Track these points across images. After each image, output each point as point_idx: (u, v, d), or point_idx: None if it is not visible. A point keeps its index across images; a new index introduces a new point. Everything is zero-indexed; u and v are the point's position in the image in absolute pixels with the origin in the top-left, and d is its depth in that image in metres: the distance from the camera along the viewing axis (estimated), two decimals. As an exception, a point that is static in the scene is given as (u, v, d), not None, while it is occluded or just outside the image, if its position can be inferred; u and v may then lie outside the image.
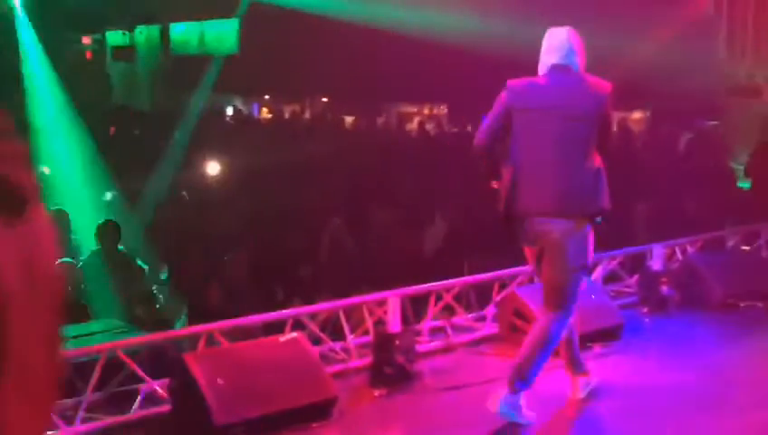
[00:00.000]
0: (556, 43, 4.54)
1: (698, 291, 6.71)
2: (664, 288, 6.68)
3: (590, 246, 4.53)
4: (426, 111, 21.64)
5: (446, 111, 21.28)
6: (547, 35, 4.60)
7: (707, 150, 12.52)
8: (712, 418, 4.69)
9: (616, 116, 18.60)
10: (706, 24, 13.18)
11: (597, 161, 4.47)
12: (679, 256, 7.28)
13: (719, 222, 8.46)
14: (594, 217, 4.50)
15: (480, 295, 6.33)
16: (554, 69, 4.53)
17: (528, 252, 4.65)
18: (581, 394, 4.79)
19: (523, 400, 4.42)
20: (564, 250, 4.42)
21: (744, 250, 7.75)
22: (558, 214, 4.40)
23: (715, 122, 15.27)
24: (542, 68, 4.59)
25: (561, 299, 4.47)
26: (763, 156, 11.97)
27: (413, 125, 19.68)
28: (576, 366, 4.79)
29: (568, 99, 4.48)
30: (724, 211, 9.42)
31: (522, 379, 4.39)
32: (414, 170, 12.22)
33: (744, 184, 11.84)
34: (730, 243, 7.86)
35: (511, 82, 4.58)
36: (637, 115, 19.22)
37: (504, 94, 4.58)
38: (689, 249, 7.32)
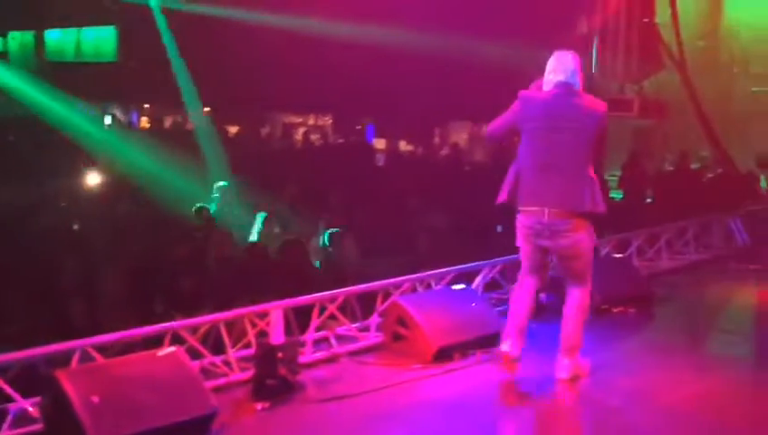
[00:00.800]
0: (562, 65, 5.27)
1: (574, 298, 6.90)
2: (542, 295, 6.85)
3: (593, 234, 5.34)
4: (311, 122, 21.60)
5: (330, 121, 21.29)
6: (554, 57, 5.32)
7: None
8: (590, 419, 4.84)
9: (496, 128, 19.12)
10: (579, 41, 13.67)
11: (591, 170, 5.18)
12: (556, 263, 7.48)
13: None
14: (590, 216, 5.20)
15: (364, 305, 6.33)
16: (560, 86, 5.22)
17: (528, 241, 5.30)
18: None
19: (580, 358, 5.36)
20: (580, 246, 5.25)
21: (617, 258, 8.04)
22: (563, 214, 5.12)
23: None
24: (548, 84, 5.27)
25: (585, 278, 5.39)
26: (634, 168, 12.52)
27: (298, 135, 19.60)
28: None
29: (572, 113, 5.17)
30: (597, 220, 9.76)
31: (579, 346, 5.36)
32: (299, 180, 12.16)
33: (617, 194, 12.34)
34: (603, 251, 8.14)
35: (523, 93, 5.31)
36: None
37: (517, 103, 5.30)
38: (565, 257, 7.53)
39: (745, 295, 8.04)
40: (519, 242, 5.37)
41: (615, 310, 6.86)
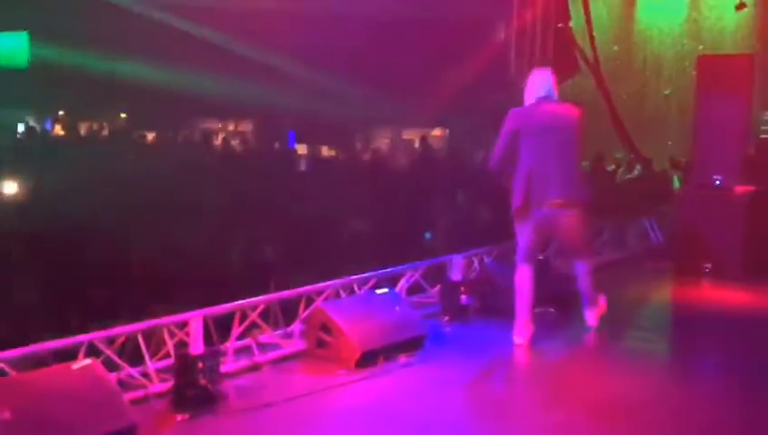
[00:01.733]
0: (542, 81, 6.24)
1: (495, 299, 6.99)
2: (464, 297, 6.92)
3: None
4: (231, 127, 21.39)
5: (251, 127, 21.13)
6: (533, 75, 6.33)
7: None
8: (513, 419, 4.88)
9: (416, 133, 19.31)
10: (497, 47, 13.89)
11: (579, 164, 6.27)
12: (477, 265, 7.56)
13: (513, 232, 8.87)
14: (584, 203, 6.20)
15: (287, 312, 6.27)
16: (542, 99, 6.17)
17: (534, 232, 6.17)
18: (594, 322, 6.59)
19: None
20: (579, 226, 6.23)
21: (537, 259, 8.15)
22: (564, 204, 6.07)
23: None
24: (531, 98, 6.21)
25: (587, 247, 6.51)
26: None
27: (217, 141, 19.38)
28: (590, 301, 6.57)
29: (557, 119, 6.14)
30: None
31: (597, 298, 6.57)
32: (219, 187, 12.01)
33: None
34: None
35: (513, 110, 6.20)
36: (437, 132, 19.95)
37: (510, 120, 6.16)
38: (486, 259, 7.62)
39: (660, 293, 8.27)
40: (521, 232, 6.20)
41: (535, 310, 6.92)
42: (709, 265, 8.66)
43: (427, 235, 9.98)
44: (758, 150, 10.27)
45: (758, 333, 6.94)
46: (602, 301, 6.69)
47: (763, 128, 11.51)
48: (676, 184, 12.09)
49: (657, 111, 14.50)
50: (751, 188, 8.98)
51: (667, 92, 14.72)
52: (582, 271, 6.44)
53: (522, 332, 6.19)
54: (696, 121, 9.41)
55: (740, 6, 13.36)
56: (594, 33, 13.48)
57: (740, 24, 14.19)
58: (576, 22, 13.46)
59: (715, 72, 9.27)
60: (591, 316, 6.60)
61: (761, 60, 12.15)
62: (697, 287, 8.40)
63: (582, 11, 13.46)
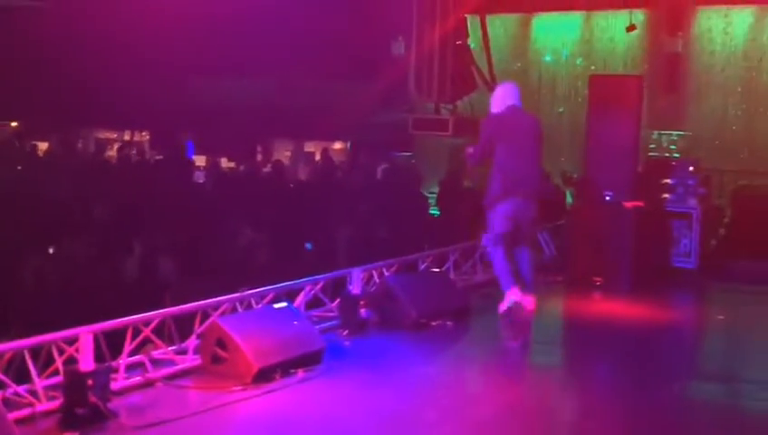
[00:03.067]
0: (510, 93, 7.41)
1: (394, 312, 7.02)
2: (363, 311, 6.93)
3: None
4: (127, 138, 20.91)
5: (148, 137, 20.72)
6: (502, 87, 7.60)
7: (402, 180, 13.24)
8: (410, 434, 4.90)
9: (317, 145, 19.30)
10: (398, 62, 14.03)
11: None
12: (377, 279, 7.59)
13: (413, 246, 8.96)
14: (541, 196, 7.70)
15: (181, 327, 6.13)
16: (511, 107, 7.33)
17: (507, 219, 7.27)
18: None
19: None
20: (535, 218, 7.51)
21: (434, 272, 8.24)
22: (529, 196, 7.28)
23: (408, 154, 16.27)
24: (500, 106, 7.33)
25: (532, 240, 7.91)
26: (450, 185, 12.92)
27: (112, 151, 18.90)
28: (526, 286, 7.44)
29: (526, 124, 7.42)
30: (417, 236, 10.01)
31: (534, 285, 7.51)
32: (114, 198, 11.70)
33: (435, 211, 12.69)
34: (422, 266, 8.34)
35: (487, 119, 7.42)
36: (337, 145, 20.00)
37: (487, 124, 7.39)
38: (386, 273, 7.66)
39: (553, 306, 8.46)
40: (497, 220, 7.28)
41: (433, 323, 7.01)
42: (600, 279, 8.91)
43: (308, 245, 9.95)
44: (646, 168, 10.68)
45: (646, 345, 7.19)
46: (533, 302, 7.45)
47: (651, 146, 11.98)
48: (569, 199, 12.42)
49: (551, 128, 14.89)
50: (640, 203, 9.30)
51: (560, 110, 15.14)
52: (525, 257, 7.41)
53: (518, 294, 7.28)
54: (587, 139, 9.71)
55: (630, 28, 13.90)
56: (491, 52, 13.78)
57: (630, 46, 14.75)
58: (474, 40, 13.74)
59: (606, 92, 9.59)
60: (530, 302, 7.32)
61: (649, 81, 12.66)
62: (589, 300, 8.64)
63: (480, 30, 13.76)
